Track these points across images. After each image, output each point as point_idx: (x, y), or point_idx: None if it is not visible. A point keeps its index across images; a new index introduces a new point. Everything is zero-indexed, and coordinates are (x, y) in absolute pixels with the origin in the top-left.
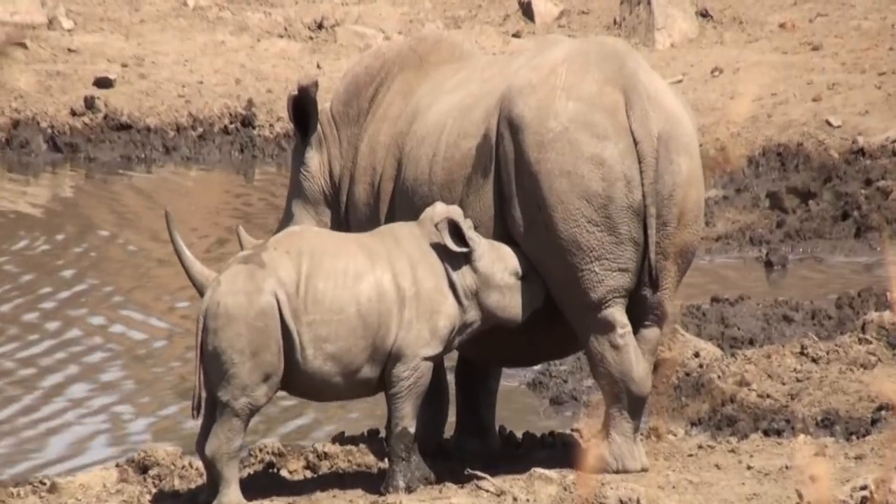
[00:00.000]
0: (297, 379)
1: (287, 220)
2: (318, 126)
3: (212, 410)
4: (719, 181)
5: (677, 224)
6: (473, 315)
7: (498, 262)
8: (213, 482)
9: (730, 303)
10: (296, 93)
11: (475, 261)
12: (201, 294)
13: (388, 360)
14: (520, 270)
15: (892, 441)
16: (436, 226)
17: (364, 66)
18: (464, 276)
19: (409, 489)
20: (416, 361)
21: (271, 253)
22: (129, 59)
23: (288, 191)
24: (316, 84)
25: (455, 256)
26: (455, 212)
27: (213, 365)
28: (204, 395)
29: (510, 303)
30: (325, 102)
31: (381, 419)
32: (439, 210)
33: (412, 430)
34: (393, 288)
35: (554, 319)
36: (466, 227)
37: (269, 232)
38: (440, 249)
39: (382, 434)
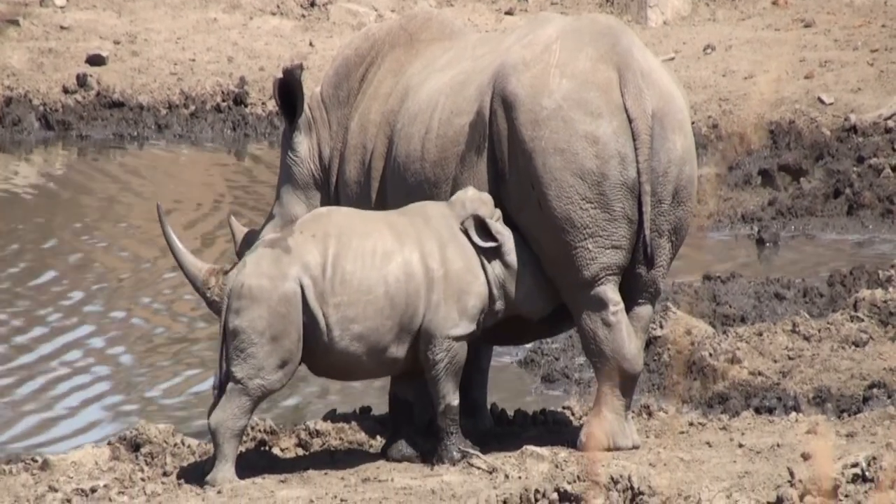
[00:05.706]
0: (323, 360)
1: (278, 205)
2: (308, 110)
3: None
4: (711, 158)
5: (671, 201)
6: (500, 305)
7: None
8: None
9: (721, 280)
10: (281, 76)
11: (504, 254)
12: (193, 284)
13: (416, 339)
14: None
15: (884, 419)
16: (462, 224)
17: (354, 47)
18: (494, 266)
19: (459, 461)
20: (447, 343)
21: (297, 237)
22: (122, 37)
23: (278, 176)
24: (301, 67)
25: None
26: (485, 198)
27: (232, 343)
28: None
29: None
30: (318, 81)
31: (372, 397)
32: (471, 195)
33: (455, 403)
34: (421, 269)
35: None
36: (493, 220)
37: (261, 213)
38: None
39: (374, 412)
